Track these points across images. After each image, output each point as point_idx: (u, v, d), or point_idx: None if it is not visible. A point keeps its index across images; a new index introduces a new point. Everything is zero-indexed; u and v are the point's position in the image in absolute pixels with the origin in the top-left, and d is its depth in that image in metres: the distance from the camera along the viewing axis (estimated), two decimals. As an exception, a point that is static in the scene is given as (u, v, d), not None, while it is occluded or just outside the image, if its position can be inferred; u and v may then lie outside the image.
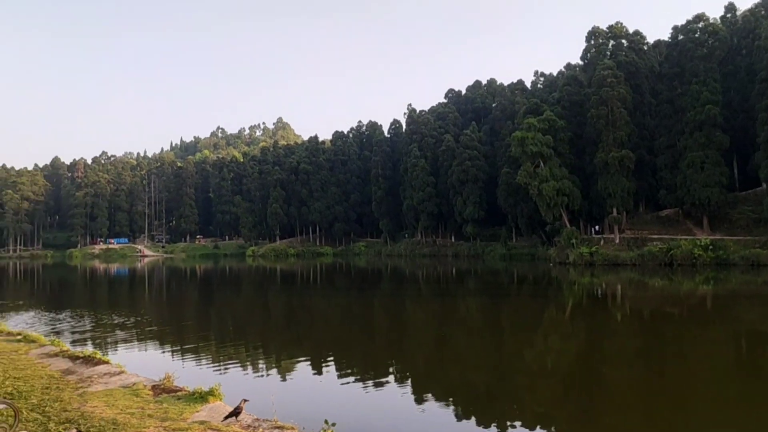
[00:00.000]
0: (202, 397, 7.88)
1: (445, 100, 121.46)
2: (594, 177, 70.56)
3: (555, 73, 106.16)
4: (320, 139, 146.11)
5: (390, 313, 30.27)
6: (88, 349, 14.59)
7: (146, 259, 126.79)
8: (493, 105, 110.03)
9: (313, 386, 13.41)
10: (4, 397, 8.33)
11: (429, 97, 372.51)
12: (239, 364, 15.65)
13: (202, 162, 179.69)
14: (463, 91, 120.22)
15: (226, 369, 14.81)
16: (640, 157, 68.83)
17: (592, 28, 75.67)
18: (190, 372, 12.41)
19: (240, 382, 12.56)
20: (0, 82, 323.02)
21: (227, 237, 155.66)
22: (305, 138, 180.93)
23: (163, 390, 8.51)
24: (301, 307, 33.37)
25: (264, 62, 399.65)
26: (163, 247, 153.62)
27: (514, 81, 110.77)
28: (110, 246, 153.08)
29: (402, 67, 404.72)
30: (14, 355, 12.20)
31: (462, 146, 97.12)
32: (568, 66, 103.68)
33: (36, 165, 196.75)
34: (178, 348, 18.59)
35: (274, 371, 15.12)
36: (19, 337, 14.75)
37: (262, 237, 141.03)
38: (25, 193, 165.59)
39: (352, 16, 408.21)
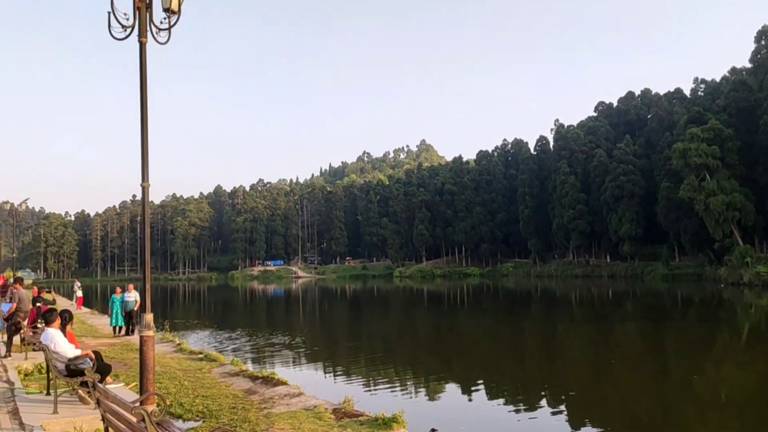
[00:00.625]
0: (385, 423, 7.68)
1: (594, 114, 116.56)
2: (770, 189, 64.09)
3: (718, 79, 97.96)
4: (464, 158, 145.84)
5: (542, 336, 29.02)
6: (257, 367, 15.23)
7: (300, 280, 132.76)
8: (649, 116, 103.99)
9: (483, 413, 12.95)
10: (197, 417, 8.75)
11: (577, 112, 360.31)
12: (406, 387, 15.56)
13: (350, 186, 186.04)
14: (615, 103, 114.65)
15: (394, 391, 14.77)
16: (827, 165, 61.52)
17: (762, 27, 69.21)
18: (361, 395, 12.43)
19: (413, 406, 12.37)
20: (170, 121, 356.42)
21: (375, 258, 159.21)
22: (449, 159, 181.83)
23: (344, 414, 8.47)
24: (449, 328, 32.99)
25: (406, 85, 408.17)
26: (315, 268, 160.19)
27: (671, 90, 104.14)
28: (267, 268, 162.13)
29: (547, 81, 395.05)
30: (199, 373, 12.91)
31: (615, 161, 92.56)
32: (734, 70, 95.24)
33: (201, 193, 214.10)
34: (343, 368, 18.90)
35: (437, 394, 14.86)
36: (200, 355, 15.63)
37: (409, 258, 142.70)
38: (192, 220, 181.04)
39: (493, 33, 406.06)
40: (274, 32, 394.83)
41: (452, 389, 15.94)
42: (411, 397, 14.18)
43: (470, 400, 14.43)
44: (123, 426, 4.44)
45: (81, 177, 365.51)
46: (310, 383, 12.23)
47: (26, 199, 36.95)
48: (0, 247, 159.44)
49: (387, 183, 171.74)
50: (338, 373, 18.13)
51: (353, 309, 52.25)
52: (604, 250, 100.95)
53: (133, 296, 21.35)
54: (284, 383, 10.99)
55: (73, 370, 7.98)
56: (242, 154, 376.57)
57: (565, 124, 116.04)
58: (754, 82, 71.06)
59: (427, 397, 14.55)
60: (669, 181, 78.04)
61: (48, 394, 8.93)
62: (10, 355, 14.18)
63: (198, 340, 24.39)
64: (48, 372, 8.86)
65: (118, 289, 21.94)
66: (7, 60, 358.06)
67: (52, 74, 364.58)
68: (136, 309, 21.40)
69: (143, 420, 4.01)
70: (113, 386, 8.82)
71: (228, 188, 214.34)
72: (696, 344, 24.44)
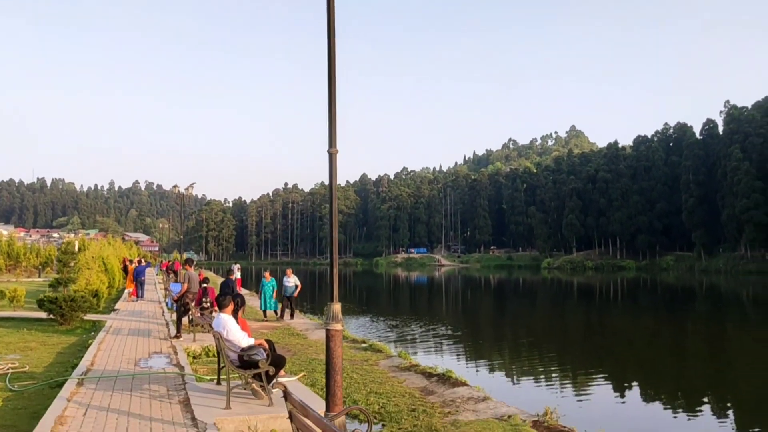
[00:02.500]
0: None
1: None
2: None
3: None
4: (619, 144, 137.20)
5: (709, 337, 25.70)
6: (422, 360, 14.16)
7: (443, 269, 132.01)
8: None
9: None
10: (374, 417, 7.80)
11: (752, 92, 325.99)
12: (588, 392, 13.86)
13: (495, 174, 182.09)
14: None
15: (584, 399, 13.13)
16: None
17: None
18: (538, 399, 10.92)
19: (616, 417, 10.70)
20: (318, 110, 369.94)
21: (520, 248, 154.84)
22: (600, 145, 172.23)
23: (549, 429, 7.07)
24: (604, 326, 30.44)
25: (554, 67, 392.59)
26: (458, 257, 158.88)
27: None
28: (411, 255, 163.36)
29: (714, 58, 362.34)
30: (366, 365, 12.00)
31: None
32: None
33: (347, 181, 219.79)
34: (512, 367, 17.37)
35: (632, 403, 12.97)
36: (364, 344, 14.82)
37: (557, 248, 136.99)
38: (339, 207, 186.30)
39: (650, 5, 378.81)
40: (419, 25, 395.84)
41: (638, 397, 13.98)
42: (610, 406, 12.42)
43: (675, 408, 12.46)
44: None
45: (239, 166, 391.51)
46: (483, 382, 10.86)
47: (193, 184, 38.77)
48: (168, 231, 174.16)
49: (534, 170, 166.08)
50: (511, 372, 16.53)
51: (502, 300, 50.33)
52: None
53: (292, 281, 21.25)
54: (464, 383, 9.73)
55: (245, 361, 7.31)
56: (386, 142, 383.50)
57: (739, 106, 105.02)
58: None
59: (597, 401, 12.69)
60: None
61: (218, 383, 8.41)
62: (180, 336, 14.27)
63: (357, 327, 23.84)
64: (219, 360, 8.30)
65: (267, 274, 21.77)
66: (173, 58, 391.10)
67: (218, 71, 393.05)
68: (295, 295, 21.35)
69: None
70: (286, 380, 8.12)
71: (373, 176, 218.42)
72: None
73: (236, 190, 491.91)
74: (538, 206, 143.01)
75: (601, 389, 14.30)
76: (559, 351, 20.96)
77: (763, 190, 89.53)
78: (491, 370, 16.84)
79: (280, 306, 21.66)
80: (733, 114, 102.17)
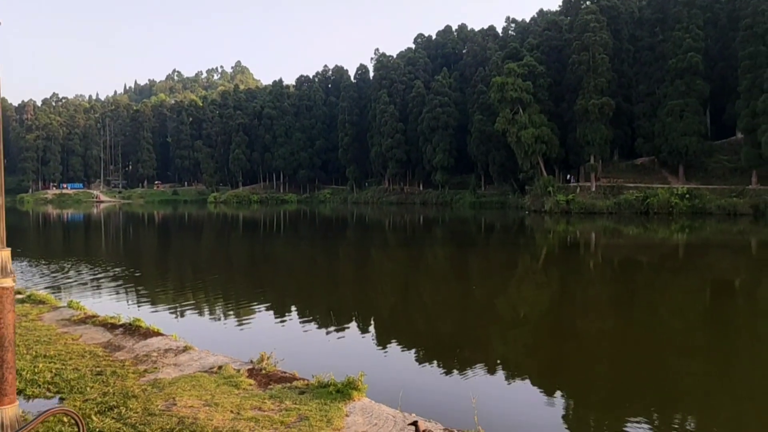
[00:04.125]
0: (339, 391, 5.78)
1: (413, 46, 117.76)
2: (572, 124, 69.38)
3: (527, 20, 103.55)
4: (284, 83, 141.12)
5: (355, 261, 29.14)
6: (104, 309, 12.29)
7: (102, 205, 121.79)
8: (464, 51, 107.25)
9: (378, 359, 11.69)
10: (48, 391, 6.25)
11: (397, 42, 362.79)
12: (289, 330, 13.73)
13: (159, 105, 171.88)
14: (434, 36, 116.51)
15: (260, 330, 12.89)
16: (618, 105, 67.47)
17: (574, -29, 73.30)
18: (252, 343, 10.30)
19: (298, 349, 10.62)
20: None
21: (186, 183, 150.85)
22: (265, 83, 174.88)
23: (268, 377, 6.34)
24: (264, 254, 31.80)
25: (220, 1, 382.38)
26: (119, 192, 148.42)
27: (485, 27, 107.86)
28: (64, 191, 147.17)
29: (368, 10, 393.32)
30: (27, 321, 9.66)
31: (432, 93, 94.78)
32: (541, 12, 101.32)
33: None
34: (207, 309, 16.24)
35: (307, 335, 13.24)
36: (20, 296, 12.11)
37: (224, 183, 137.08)
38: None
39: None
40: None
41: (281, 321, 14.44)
42: (303, 341, 12.42)
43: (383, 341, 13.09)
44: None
45: None
46: (178, 329, 9.68)
47: None
48: None
49: (201, 104, 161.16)
50: (203, 314, 15.27)
51: (170, 237, 48.29)
52: (418, 178, 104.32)
53: None
54: (158, 333, 8.49)
55: None
56: (30, 64, 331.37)
57: (387, 54, 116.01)
58: (565, 24, 75.58)
59: (302, 340, 12.86)
60: (481, 114, 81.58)
61: None
62: None
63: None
64: None
65: None
66: None
67: None
68: None
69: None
70: None
71: (14, 101, 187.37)
72: (499, 267, 26.14)
73: None
74: (204, 140, 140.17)
75: (293, 324, 14.39)
76: (246, 286, 20.76)
77: (403, 131, 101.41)
78: (182, 314, 15.39)
79: None
80: (382, 61, 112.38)
